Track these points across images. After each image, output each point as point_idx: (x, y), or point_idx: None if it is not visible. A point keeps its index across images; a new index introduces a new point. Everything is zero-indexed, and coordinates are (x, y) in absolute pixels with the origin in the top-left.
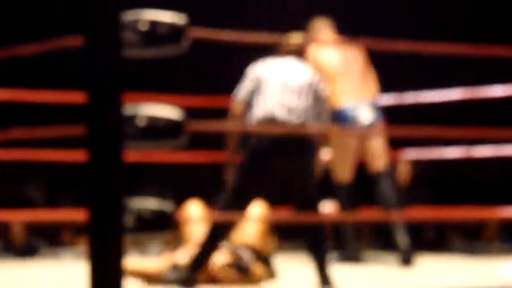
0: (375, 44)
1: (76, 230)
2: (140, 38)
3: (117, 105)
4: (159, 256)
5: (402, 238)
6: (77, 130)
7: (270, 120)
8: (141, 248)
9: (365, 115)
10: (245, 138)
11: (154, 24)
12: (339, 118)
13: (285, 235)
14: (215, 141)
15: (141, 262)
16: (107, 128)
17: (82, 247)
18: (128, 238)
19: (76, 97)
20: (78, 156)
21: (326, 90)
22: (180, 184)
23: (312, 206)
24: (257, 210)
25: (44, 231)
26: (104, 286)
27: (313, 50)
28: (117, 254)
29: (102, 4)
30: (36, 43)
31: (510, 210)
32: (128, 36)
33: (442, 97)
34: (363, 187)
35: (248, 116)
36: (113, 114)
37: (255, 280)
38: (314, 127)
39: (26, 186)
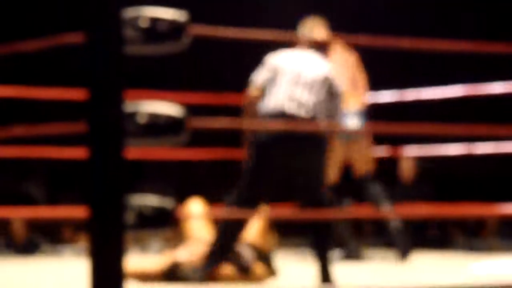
0: (376, 41)
1: (77, 227)
2: (141, 35)
3: (118, 102)
4: (160, 253)
5: (398, 235)
6: (78, 127)
7: (279, 114)
8: (142, 245)
9: (351, 123)
10: (253, 132)
11: (154, 21)
12: None
13: (285, 232)
14: (216, 138)
15: (141, 262)
16: (108, 125)
17: (83, 244)
18: (128, 235)
19: (77, 94)
20: (79, 153)
21: (341, 86)
22: (181, 181)
23: (317, 203)
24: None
25: (44, 228)
26: (105, 283)
27: None
28: (118, 251)
29: (103, 1)
30: (37, 39)
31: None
32: (129, 33)
33: (443, 94)
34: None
35: (260, 104)
36: (114, 111)
37: (256, 277)
38: (323, 123)
39: (26, 183)
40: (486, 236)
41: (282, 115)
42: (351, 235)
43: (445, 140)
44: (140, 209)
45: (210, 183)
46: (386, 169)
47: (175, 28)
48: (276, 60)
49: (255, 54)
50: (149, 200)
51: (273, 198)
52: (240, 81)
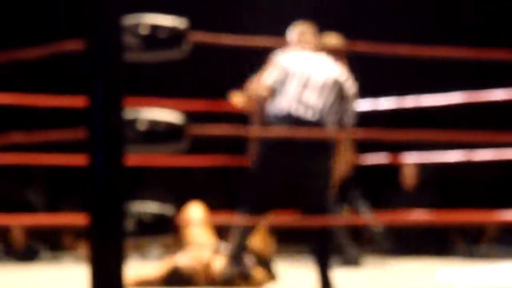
0: (376, 48)
1: (77, 234)
2: (141, 42)
3: (118, 109)
4: (160, 259)
5: (378, 240)
6: (78, 134)
7: (286, 116)
8: (142, 252)
9: None
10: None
11: (154, 28)
12: None
13: (285, 238)
14: (216, 145)
15: (141, 269)
16: (107, 132)
17: (83, 251)
18: (128, 242)
19: (76, 101)
20: (78, 160)
21: (353, 88)
22: (181, 188)
23: (320, 209)
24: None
25: (44, 235)
26: None
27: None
28: (118, 258)
29: (102, 8)
30: (37, 47)
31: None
32: (129, 40)
33: (443, 100)
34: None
35: (268, 105)
36: (114, 118)
37: (256, 283)
38: (330, 127)
39: (26, 190)
40: (486, 243)
41: (289, 118)
42: (350, 241)
43: (445, 147)
44: (140, 216)
45: (210, 190)
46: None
47: (175, 35)
48: (286, 61)
49: (255, 61)
50: (149, 207)
51: (281, 203)
52: (240, 88)
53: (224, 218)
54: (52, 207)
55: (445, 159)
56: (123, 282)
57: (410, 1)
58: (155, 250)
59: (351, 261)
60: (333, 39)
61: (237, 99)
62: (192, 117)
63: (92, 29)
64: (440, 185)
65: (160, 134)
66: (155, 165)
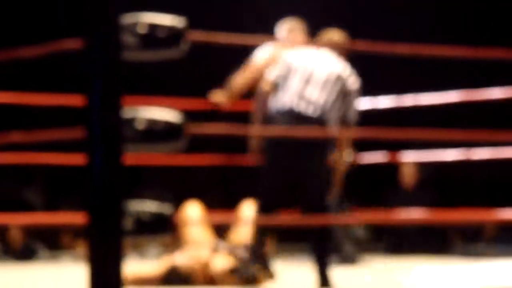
0: (374, 46)
1: (75, 233)
2: (139, 41)
3: (117, 108)
4: (158, 258)
5: (346, 243)
6: (76, 133)
7: (287, 111)
8: (140, 251)
9: None
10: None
11: (153, 27)
12: None
13: (284, 237)
14: (214, 144)
15: (139, 268)
16: (106, 131)
17: (81, 250)
18: (127, 241)
19: (75, 100)
20: (77, 159)
21: (356, 84)
22: (180, 187)
23: (320, 208)
24: (253, 211)
25: (42, 234)
26: None
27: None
28: (117, 257)
29: (101, 7)
30: (35, 45)
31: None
32: (127, 39)
33: (442, 99)
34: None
35: (271, 100)
36: (113, 117)
37: (255, 282)
38: (331, 123)
39: (25, 189)
40: (485, 242)
41: (290, 113)
42: (347, 239)
43: (444, 146)
44: (139, 215)
45: (209, 189)
46: (387, 174)
47: (173, 34)
48: (290, 57)
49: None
50: (148, 206)
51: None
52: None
53: (223, 217)
54: (51, 206)
55: (444, 158)
56: (121, 281)
57: (410, 1)
58: (153, 249)
59: (348, 259)
60: (335, 35)
61: (218, 98)
62: (191, 116)
63: (91, 28)
64: (439, 184)
65: (159, 133)
66: (154, 164)
